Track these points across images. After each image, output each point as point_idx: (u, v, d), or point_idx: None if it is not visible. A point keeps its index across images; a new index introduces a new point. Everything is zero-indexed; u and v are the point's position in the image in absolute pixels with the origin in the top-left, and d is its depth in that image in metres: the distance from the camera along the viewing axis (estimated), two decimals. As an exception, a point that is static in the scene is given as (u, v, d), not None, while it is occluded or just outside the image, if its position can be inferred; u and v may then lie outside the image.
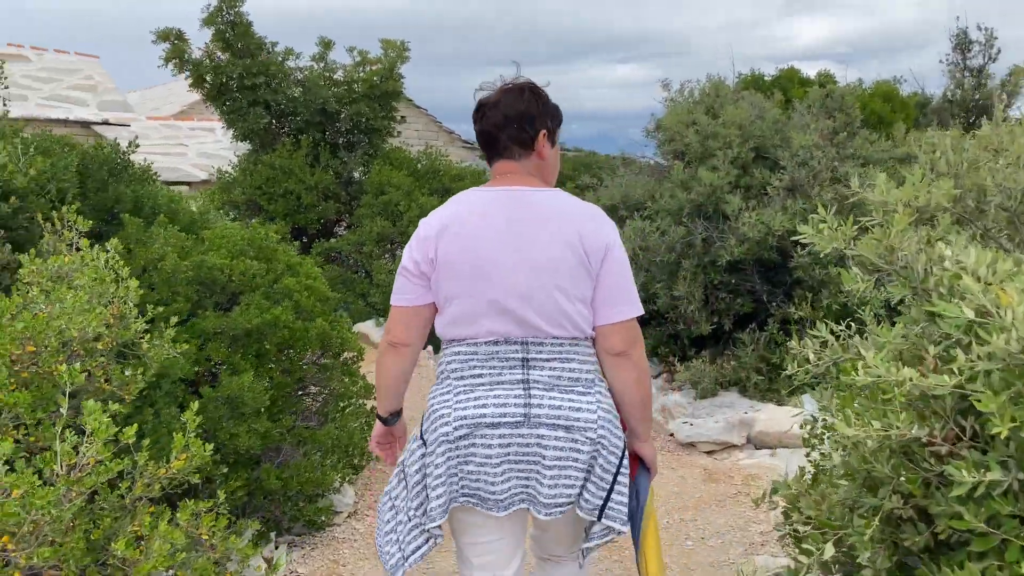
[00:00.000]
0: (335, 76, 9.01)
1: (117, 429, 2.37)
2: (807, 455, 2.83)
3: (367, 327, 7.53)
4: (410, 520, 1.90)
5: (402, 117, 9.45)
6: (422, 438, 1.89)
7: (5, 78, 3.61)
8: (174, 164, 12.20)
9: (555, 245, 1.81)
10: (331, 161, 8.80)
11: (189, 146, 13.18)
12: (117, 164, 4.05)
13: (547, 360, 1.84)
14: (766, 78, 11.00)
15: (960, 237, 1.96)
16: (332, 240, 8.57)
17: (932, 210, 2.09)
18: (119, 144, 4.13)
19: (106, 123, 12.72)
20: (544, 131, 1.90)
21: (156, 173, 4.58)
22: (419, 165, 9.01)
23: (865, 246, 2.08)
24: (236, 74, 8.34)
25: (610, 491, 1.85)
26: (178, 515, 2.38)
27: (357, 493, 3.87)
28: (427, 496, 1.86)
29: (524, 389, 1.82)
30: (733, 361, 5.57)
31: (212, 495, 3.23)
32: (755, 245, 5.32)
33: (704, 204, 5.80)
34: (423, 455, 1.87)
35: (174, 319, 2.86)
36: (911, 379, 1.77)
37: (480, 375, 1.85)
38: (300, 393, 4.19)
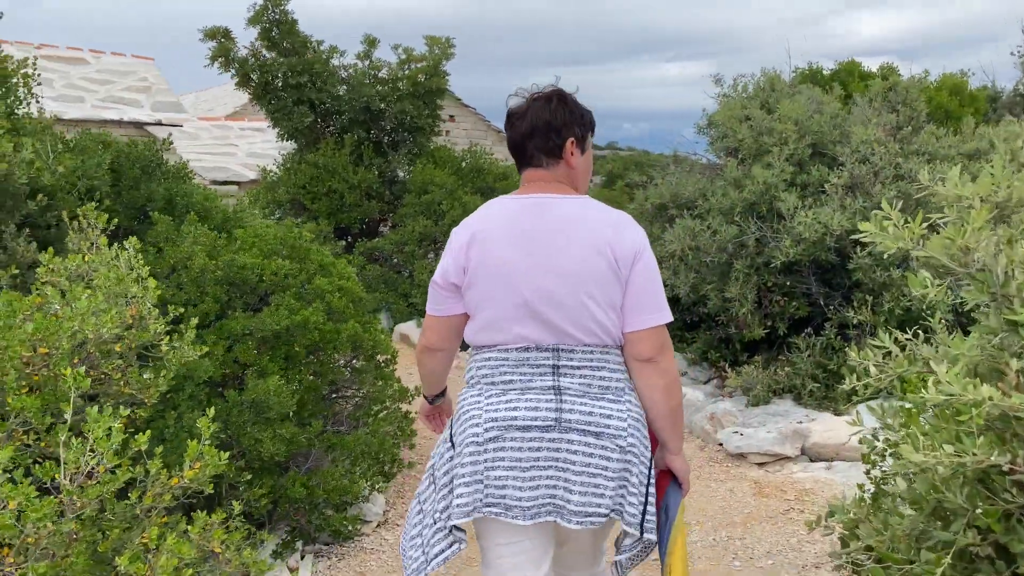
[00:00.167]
0: (380, 74, 8.94)
1: (127, 435, 2.28)
2: (867, 472, 2.61)
3: (409, 328, 7.43)
4: (435, 523, 1.90)
5: (450, 116, 9.35)
6: (451, 440, 1.90)
7: (38, 74, 3.57)
8: (224, 164, 12.31)
9: (584, 252, 1.81)
10: (375, 160, 8.73)
11: (239, 146, 13.30)
12: (150, 162, 3.98)
13: (577, 367, 1.84)
14: (824, 72, 10.60)
15: (1049, 236, 1.72)
16: (375, 240, 8.49)
17: (1014, 206, 1.85)
18: (154, 140, 4.08)
19: (159, 124, 12.90)
20: (572, 139, 1.90)
21: (192, 171, 4.53)
22: (463, 164, 8.89)
23: (935, 246, 1.85)
24: (281, 72, 8.33)
25: (645, 502, 1.84)
26: (189, 527, 2.26)
27: (388, 502, 3.74)
28: (453, 495, 1.85)
29: (556, 394, 1.82)
30: (787, 367, 5.31)
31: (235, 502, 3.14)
32: (811, 246, 5.06)
33: (758, 203, 5.56)
34: (451, 457, 1.88)
35: (194, 321, 2.75)
36: (990, 398, 1.55)
37: (511, 380, 1.85)
38: (334, 396, 4.08)
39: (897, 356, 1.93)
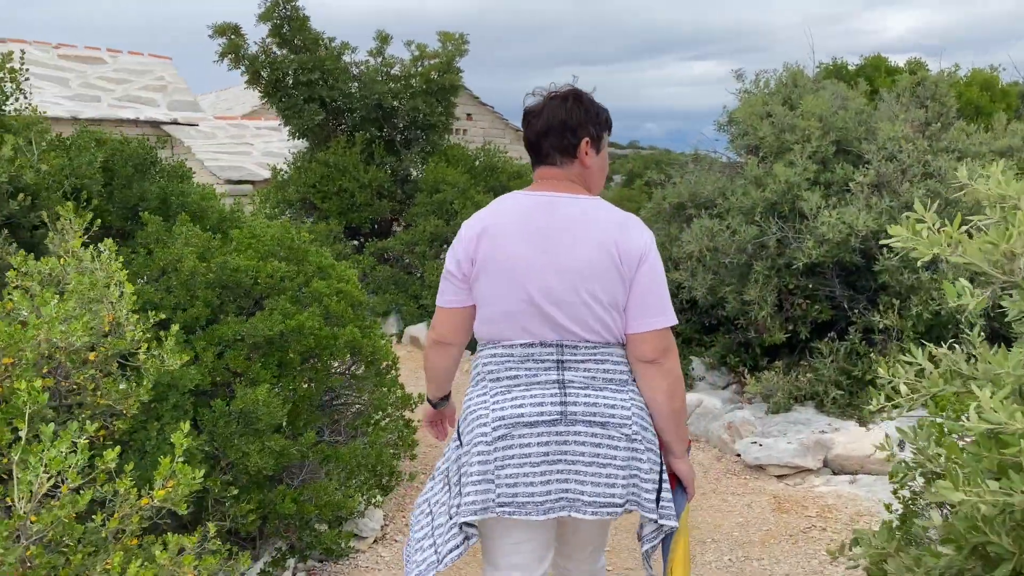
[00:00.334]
0: (392, 71, 8.77)
1: (93, 453, 2.13)
2: (894, 492, 2.40)
3: (419, 330, 7.26)
4: (450, 519, 1.90)
5: (468, 114, 9.17)
6: (459, 439, 1.92)
7: (26, 69, 3.43)
8: (239, 163, 12.22)
9: (590, 251, 1.82)
10: (387, 158, 8.56)
11: (255, 145, 13.21)
12: (144, 160, 3.84)
13: (581, 362, 1.85)
14: (849, 67, 10.30)
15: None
16: (386, 240, 8.33)
17: (1066, 206, 1.64)
18: (147, 139, 3.94)
19: (175, 123, 12.86)
20: (587, 139, 1.91)
21: (191, 169, 4.38)
22: (476, 162, 8.70)
23: (974, 251, 1.65)
24: (291, 69, 8.19)
25: (659, 488, 1.86)
26: (157, 552, 2.10)
27: (387, 516, 3.57)
28: (461, 494, 1.87)
29: (560, 388, 1.84)
30: (809, 373, 5.09)
31: (222, 518, 2.98)
32: (835, 247, 4.84)
33: (779, 202, 5.33)
34: (459, 456, 1.90)
35: (175, 327, 2.59)
36: (1043, 429, 1.35)
37: (516, 376, 1.86)
38: (336, 403, 3.92)
39: (931, 373, 1.73)
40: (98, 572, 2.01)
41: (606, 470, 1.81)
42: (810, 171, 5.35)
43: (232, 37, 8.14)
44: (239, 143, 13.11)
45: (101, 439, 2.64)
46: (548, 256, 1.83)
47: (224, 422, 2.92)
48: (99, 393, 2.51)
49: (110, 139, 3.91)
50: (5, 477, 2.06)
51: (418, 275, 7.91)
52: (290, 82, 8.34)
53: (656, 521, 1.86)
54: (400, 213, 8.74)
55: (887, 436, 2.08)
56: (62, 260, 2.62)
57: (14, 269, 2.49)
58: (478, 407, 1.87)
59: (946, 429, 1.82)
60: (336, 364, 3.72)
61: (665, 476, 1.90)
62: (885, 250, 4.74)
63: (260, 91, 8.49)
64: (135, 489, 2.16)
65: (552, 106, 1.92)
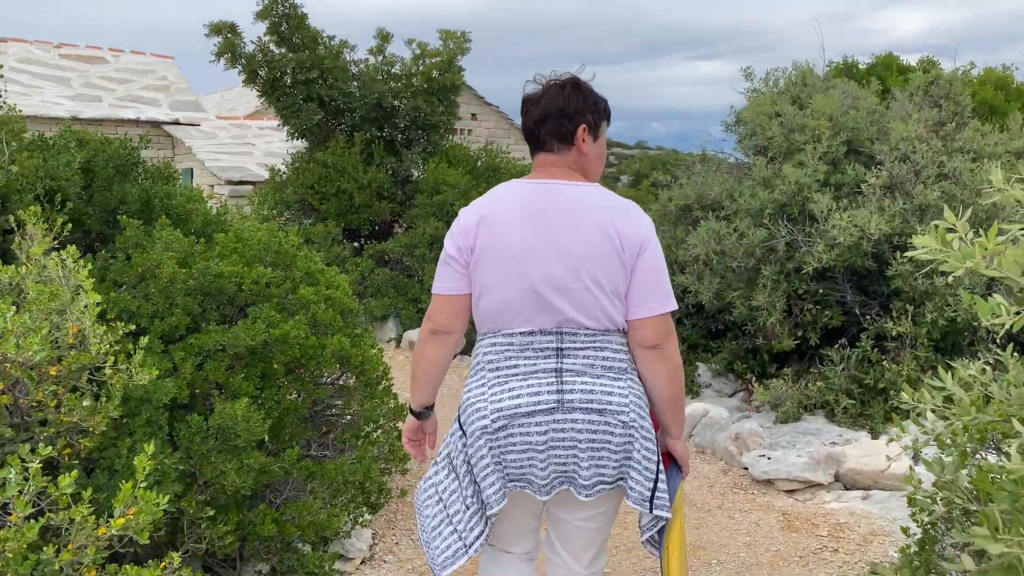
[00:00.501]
0: (393, 70, 8.61)
1: (48, 479, 1.97)
2: (913, 515, 2.23)
3: (417, 335, 7.10)
4: (468, 508, 1.92)
5: (472, 114, 9.00)
6: (461, 428, 1.93)
7: (0, 66, 3.28)
8: (240, 164, 12.08)
9: (590, 237, 1.82)
10: (386, 159, 8.40)
11: (256, 145, 13.07)
12: (126, 161, 3.69)
13: (580, 349, 1.86)
14: (860, 66, 10.09)
15: None
16: (385, 242, 8.16)
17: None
18: (129, 139, 3.78)
19: (176, 123, 12.73)
20: (584, 126, 1.91)
21: (178, 171, 4.23)
22: (478, 163, 8.53)
23: (1010, 263, 1.48)
24: (289, 68, 8.03)
25: (656, 479, 1.87)
26: (115, 586, 1.94)
27: (376, 535, 3.40)
28: (479, 486, 1.89)
29: (556, 376, 1.85)
30: (820, 381, 4.90)
31: (197, 540, 2.82)
32: (846, 250, 4.65)
33: (788, 204, 5.15)
34: (465, 445, 1.91)
35: (144, 340, 2.43)
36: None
37: (515, 365, 1.87)
38: (325, 415, 3.76)
39: (961, 400, 1.55)
40: (48, 610, 1.85)
41: (600, 453, 1.85)
42: (820, 172, 5.17)
43: (228, 35, 7.98)
44: (241, 143, 12.97)
45: (67, 458, 2.50)
46: (549, 237, 1.82)
47: (200, 438, 2.76)
48: (62, 410, 2.35)
49: (92, 139, 3.76)
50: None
51: (417, 279, 7.74)
52: (288, 81, 8.18)
53: (651, 512, 1.90)
54: (400, 215, 8.57)
55: (912, 470, 1.90)
56: (23, 268, 2.46)
57: (-30, 278, 2.34)
58: (477, 399, 1.89)
59: (981, 466, 1.64)
60: (325, 375, 3.56)
61: (661, 467, 1.92)
62: (898, 254, 4.56)
63: (257, 90, 8.33)
64: (93, 517, 2.01)
65: (550, 93, 1.92)
